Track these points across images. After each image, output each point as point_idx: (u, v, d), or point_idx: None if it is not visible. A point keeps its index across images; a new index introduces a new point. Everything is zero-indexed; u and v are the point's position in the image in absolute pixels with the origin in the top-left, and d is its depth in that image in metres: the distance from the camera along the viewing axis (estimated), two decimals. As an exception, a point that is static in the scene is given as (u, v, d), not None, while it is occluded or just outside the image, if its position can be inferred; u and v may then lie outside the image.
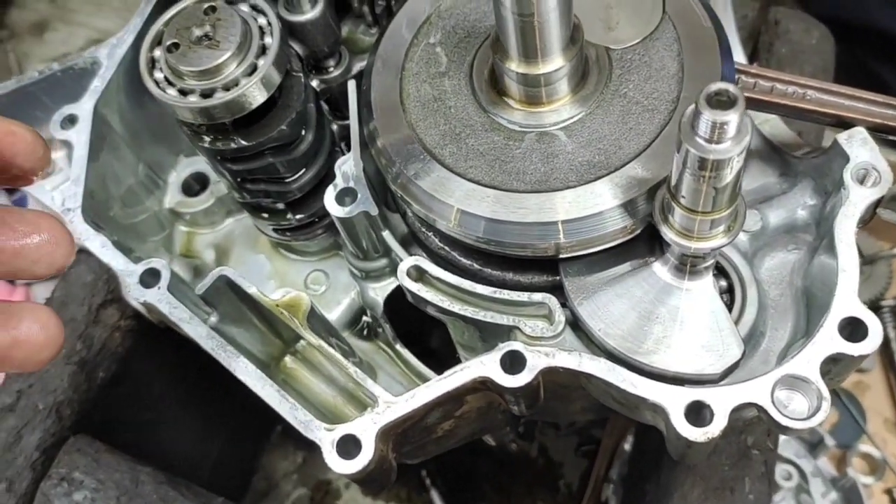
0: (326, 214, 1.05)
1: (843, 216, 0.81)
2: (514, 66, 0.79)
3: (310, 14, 0.89)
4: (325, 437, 0.81)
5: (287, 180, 0.96)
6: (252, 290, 0.89)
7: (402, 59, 0.88)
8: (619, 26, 0.85)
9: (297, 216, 1.02)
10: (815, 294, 0.88)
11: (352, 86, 0.95)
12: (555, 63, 0.78)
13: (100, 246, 0.92)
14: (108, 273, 1.00)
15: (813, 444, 1.63)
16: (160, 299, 0.89)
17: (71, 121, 1.00)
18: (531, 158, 0.81)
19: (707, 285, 0.80)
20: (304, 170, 0.96)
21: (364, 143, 0.91)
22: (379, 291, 1.01)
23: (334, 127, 1.04)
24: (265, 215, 1.04)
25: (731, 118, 0.60)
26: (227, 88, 0.82)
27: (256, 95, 0.83)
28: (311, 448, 1.75)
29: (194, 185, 1.15)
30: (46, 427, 1.01)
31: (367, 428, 0.80)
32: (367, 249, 0.97)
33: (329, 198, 0.90)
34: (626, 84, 0.83)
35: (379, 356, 1.10)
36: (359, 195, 0.90)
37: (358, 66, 0.98)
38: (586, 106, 0.82)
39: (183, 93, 0.84)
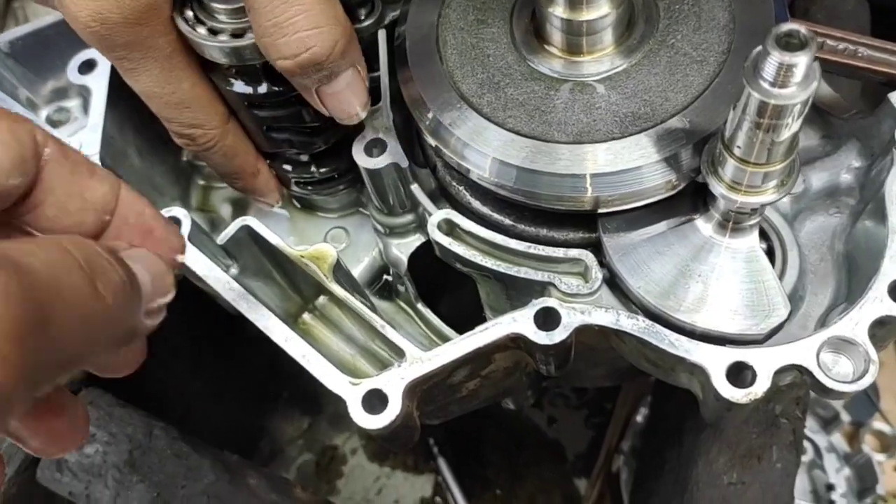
0: (350, 169, 1.03)
1: (894, 178, 0.79)
2: (559, 10, 0.76)
3: None
4: (351, 392, 0.78)
5: (314, 128, 0.92)
6: (276, 240, 0.86)
7: (439, 6, 0.85)
8: (666, -26, 0.82)
9: (322, 169, 0.99)
10: (857, 259, 0.85)
11: (382, 35, 0.92)
12: (601, 9, 0.75)
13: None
14: (126, 222, 0.97)
15: (827, 420, 1.62)
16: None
17: (89, 66, 0.97)
18: (573, 109, 0.78)
19: (752, 242, 0.77)
20: (331, 119, 0.93)
21: (394, 94, 0.88)
22: (403, 248, 0.98)
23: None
24: (287, 167, 1.01)
25: (801, 60, 0.57)
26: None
27: None
28: (317, 413, 1.75)
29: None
30: (60, 377, 0.98)
31: (394, 383, 0.78)
32: (393, 204, 0.94)
33: (357, 148, 0.87)
34: (673, 34, 0.79)
35: (399, 316, 1.07)
36: (388, 146, 0.87)
37: (391, 16, 0.94)
38: (632, 56, 0.79)
39: (213, 32, 0.80)
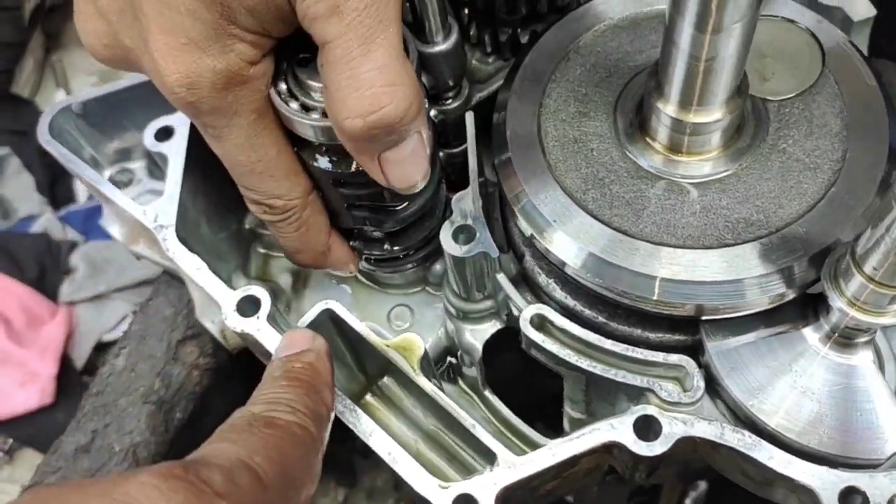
0: (422, 248, 1.00)
1: None
2: (670, 110, 0.74)
3: (442, 46, 0.83)
4: (439, 496, 0.75)
5: (394, 209, 0.90)
6: (361, 327, 0.83)
7: (540, 96, 0.83)
8: (774, 77, 0.80)
9: (395, 247, 0.96)
10: (954, 373, 0.83)
11: (470, 118, 0.90)
12: (715, 114, 0.73)
13: (195, 269, 0.86)
14: (187, 307, 0.94)
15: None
16: (259, 329, 0.83)
17: (166, 133, 0.94)
18: (682, 211, 0.76)
19: (867, 361, 0.74)
20: (411, 199, 0.91)
21: (481, 185, 0.86)
22: (478, 335, 0.95)
23: (440, 154, 0.98)
24: (358, 243, 0.98)
25: (963, 194, 0.55)
26: None
27: None
28: (353, 486, 1.69)
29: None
30: (122, 470, 0.94)
31: (486, 489, 0.74)
32: (471, 289, 0.91)
33: (446, 235, 0.84)
34: (784, 139, 0.78)
35: (462, 399, 1.04)
36: (477, 234, 0.84)
37: (477, 97, 0.93)
38: (741, 160, 0.77)
39: (305, 108, 0.78)
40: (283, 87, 0.79)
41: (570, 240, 0.76)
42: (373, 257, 1.00)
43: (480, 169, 0.89)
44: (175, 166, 0.92)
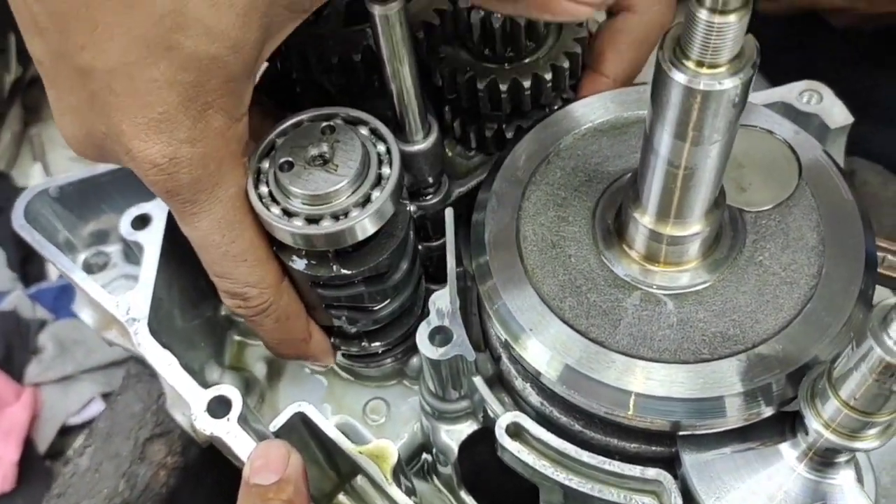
0: (400, 343, 0.99)
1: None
2: (647, 221, 0.74)
3: (422, 144, 0.83)
4: None
5: (373, 308, 0.89)
6: (334, 433, 0.82)
7: (520, 199, 0.83)
8: (751, 188, 0.81)
9: (373, 343, 0.95)
10: (935, 488, 0.81)
11: (449, 215, 0.90)
12: (693, 227, 0.73)
13: (166, 365, 0.84)
14: (157, 402, 0.92)
15: None
16: (229, 431, 0.81)
17: (143, 221, 0.93)
18: (659, 323, 0.75)
19: (848, 480, 0.73)
20: (389, 300, 0.90)
21: (461, 277, 0.85)
22: (454, 435, 0.93)
23: (420, 247, 0.97)
24: (336, 340, 0.96)
25: (939, 329, 0.55)
26: (335, 217, 0.76)
27: (367, 227, 0.77)
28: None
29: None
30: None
31: None
32: (447, 389, 0.90)
33: (422, 336, 0.83)
34: (761, 251, 0.78)
35: (436, 499, 1.02)
36: (454, 336, 0.83)
37: (457, 192, 0.93)
38: (718, 271, 0.77)
39: (287, 213, 0.77)
40: (264, 189, 0.78)
41: (544, 349, 0.75)
42: (350, 353, 0.98)
43: (460, 261, 0.88)
44: (150, 257, 0.91)
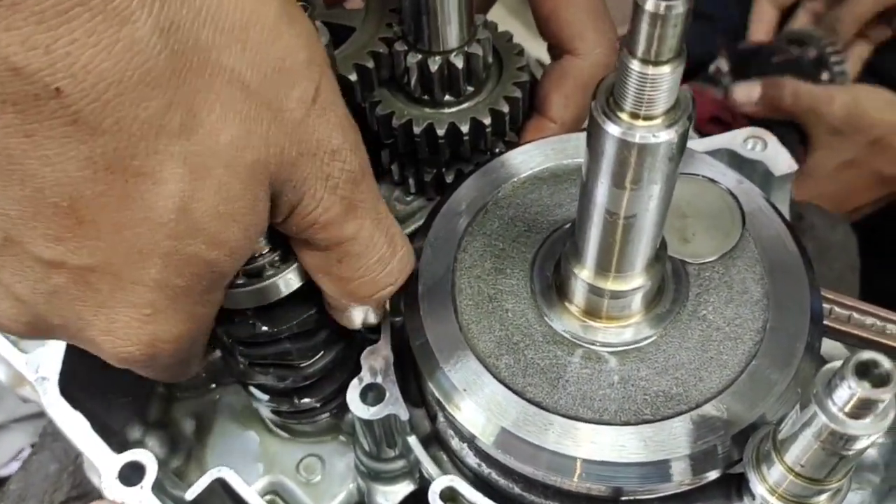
0: (333, 398, 0.94)
1: (933, 477, 0.73)
2: (586, 275, 0.71)
3: None
4: None
5: (300, 366, 0.84)
6: (255, 500, 0.76)
7: (455, 250, 0.79)
8: (695, 238, 0.78)
9: (303, 400, 0.90)
10: (887, 549, 0.79)
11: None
12: (634, 281, 0.70)
13: (77, 428, 0.78)
14: (74, 463, 0.86)
15: None
16: (141, 501, 0.75)
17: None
18: (600, 382, 0.71)
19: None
20: (320, 354, 0.85)
21: (394, 333, 0.81)
22: (390, 497, 0.88)
23: None
24: (263, 395, 0.91)
25: (884, 397, 0.52)
26: (257, 274, 0.71)
27: (292, 282, 0.72)
28: None
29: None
30: None
31: None
32: (382, 447, 0.85)
33: (353, 394, 0.78)
34: (704, 305, 0.75)
35: (375, 563, 0.96)
36: (387, 394, 0.78)
37: None
38: (660, 327, 0.74)
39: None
40: None
41: (479, 410, 0.71)
42: (279, 410, 0.93)
43: (397, 312, 0.84)
44: (64, 310, 0.85)
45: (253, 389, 0.89)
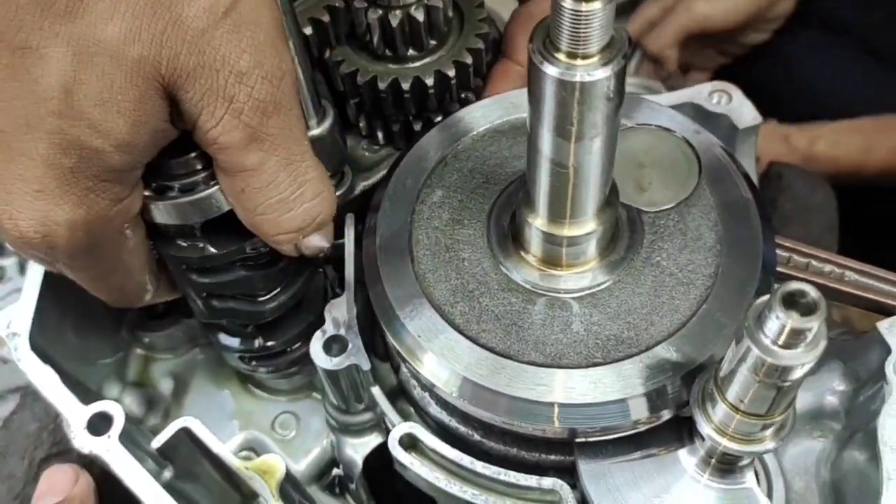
0: (301, 343, 0.94)
1: (888, 415, 0.74)
2: (539, 223, 0.72)
3: (316, 130, 0.78)
4: None
5: (259, 299, 0.85)
6: (219, 447, 0.78)
7: (413, 202, 0.80)
8: (651, 188, 0.79)
9: (268, 342, 0.91)
10: (845, 492, 0.80)
11: (349, 220, 0.87)
12: (586, 226, 0.71)
13: (46, 382, 0.80)
14: (54, 422, 0.87)
15: None
16: (109, 449, 0.77)
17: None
18: (552, 327, 0.72)
19: (748, 484, 0.71)
20: (279, 289, 0.85)
21: (359, 282, 0.82)
22: (359, 448, 0.90)
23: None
24: (228, 339, 0.92)
25: (811, 326, 0.53)
26: (190, 189, 0.72)
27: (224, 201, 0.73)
28: None
29: (159, 306, 1.04)
30: None
31: None
32: (350, 401, 0.86)
33: (316, 346, 0.80)
34: (658, 252, 0.75)
35: (349, 516, 0.98)
36: (350, 345, 0.80)
37: (361, 186, 0.89)
38: (614, 273, 0.74)
39: (159, 192, 0.73)
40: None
41: (435, 357, 0.72)
42: (247, 355, 0.94)
43: (360, 271, 0.85)
44: (35, 269, 0.86)
45: (221, 337, 0.90)
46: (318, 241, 0.78)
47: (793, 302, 0.53)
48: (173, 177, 0.73)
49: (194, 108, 0.63)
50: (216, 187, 0.72)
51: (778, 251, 0.81)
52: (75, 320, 0.94)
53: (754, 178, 0.94)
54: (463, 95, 0.93)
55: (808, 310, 0.53)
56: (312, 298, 0.90)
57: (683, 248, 0.75)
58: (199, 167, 0.72)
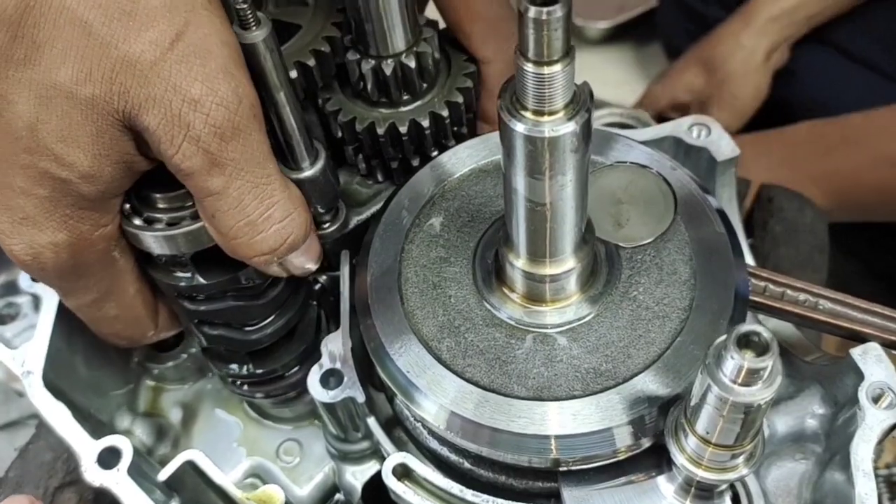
0: (293, 371, 0.98)
1: (860, 440, 0.77)
2: (520, 262, 0.76)
3: (309, 171, 0.82)
4: None
5: (248, 328, 0.89)
6: (221, 480, 0.82)
7: (402, 241, 0.84)
8: (629, 223, 0.82)
9: (258, 370, 0.95)
10: (825, 513, 0.82)
11: (344, 257, 0.91)
12: (565, 264, 0.75)
13: (58, 418, 0.85)
14: (68, 452, 0.92)
15: None
16: (118, 482, 0.81)
17: (42, 272, 0.93)
18: (534, 361, 0.76)
19: (726, 511, 0.74)
20: (270, 319, 0.90)
21: (353, 319, 0.86)
22: (358, 475, 0.94)
23: (323, 278, 0.96)
24: (220, 364, 0.96)
25: (764, 366, 0.56)
26: (176, 223, 0.77)
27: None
28: None
29: (168, 338, 1.08)
30: None
31: None
32: (348, 430, 0.90)
33: (313, 379, 0.84)
34: (635, 286, 0.79)
35: (349, 540, 1.02)
36: (345, 378, 0.84)
37: (355, 220, 0.92)
38: (594, 308, 0.78)
39: (149, 222, 0.78)
40: (126, 206, 0.79)
41: (422, 392, 0.76)
42: (239, 380, 0.97)
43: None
44: (47, 308, 0.91)
45: (216, 362, 0.94)
46: (302, 262, 0.81)
47: (747, 342, 0.56)
48: (162, 210, 0.78)
49: (154, 137, 0.67)
50: (202, 223, 0.76)
51: (754, 281, 0.84)
52: (86, 354, 0.98)
53: (734, 209, 0.97)
54: (456, 129, 0.96)
55: (762, 350, 0.56)
56: (305, 330, 0.94)
57: (659, 282, 0.79)
58: (188, 203, 0.77)
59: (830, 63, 1.96)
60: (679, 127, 0.97)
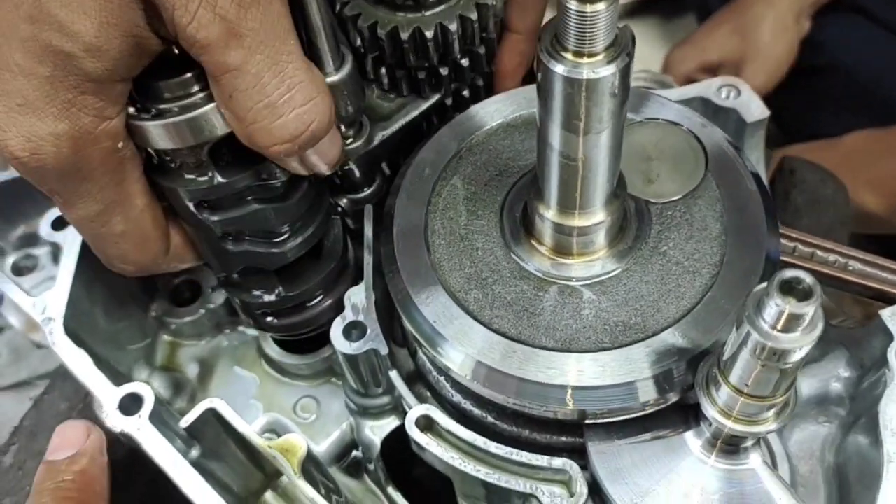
0: (320, 297, 0.93)
1: (889, 401, 0.76)
2: (550, 214, 0.75)
3: (336, 76, 0.76)
4: None
5: (275, 240, 0.83)
6: (244, 427, 0.81)
7: (429, 194, 0.83)
8: (659, 179, 0.81)
9: (290, 293, 0.89)
10: (849, 475, 0.82)
11: (368, 211, 0.90)
12: (595, 216, 0.74)
13: (80, 364, 0.84)
14: (83, 402, 0.91)
15: None
16: (140, 428, 0.81)
17: (62, 222, 0.93)
18: (562, 313, 0.75)
19: (758, 464, 0.73)
20: (297, 225, 0.83)
21: (377, 270, 0.85)
22: (376, 430, 0.93)
23: (344, 201, 0.92)
24: (245, 295, 0.90)
25: (806, 311, 0.55)
26: (190, 108, 0.70)
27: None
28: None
29: (185, 293, 1.08)
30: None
31: None
32: (368, 384, 0.90)
33: (336, 331, 0.83)
34: (665, 242, 0.78)
35: (367, 498, 1.01)
36: (368, 331, 0.83)
37: (380, 136, 0.88)
38: (623, 262, 0.77)
39: (160, 115, 0.71)
40: (131, 109, 0.71)
41: (449, 341, 0.75)
42: (269, 310, 0.92)
43: (378, 259, 0.88)
44: (68, 257, 0.91)
45: (241, 294, 0.90)
46: (324, 156, 0.75)
47: (790, 288, 0.56)
48: (170, 99, 0.71)
49: (167, 3, 0.61)
50: (212, 104, 0.69)
51: (784, 241, 0.83)
52: (105, 306, 0.98)
53: (762, 171, 0.96)
54: (484, 35, 0.89)
55: (804, 295, 0.55)
56: (332, 248, 0.90)
57: (690, 237, 0.78)
58: (195, 88, 0.70)
59: (857, 28, 1.95)
60: (708, 88, 0.96)
